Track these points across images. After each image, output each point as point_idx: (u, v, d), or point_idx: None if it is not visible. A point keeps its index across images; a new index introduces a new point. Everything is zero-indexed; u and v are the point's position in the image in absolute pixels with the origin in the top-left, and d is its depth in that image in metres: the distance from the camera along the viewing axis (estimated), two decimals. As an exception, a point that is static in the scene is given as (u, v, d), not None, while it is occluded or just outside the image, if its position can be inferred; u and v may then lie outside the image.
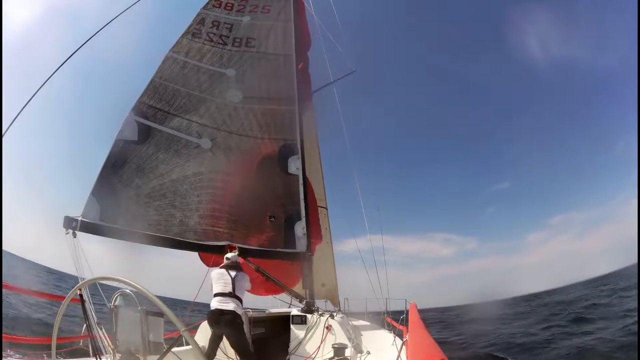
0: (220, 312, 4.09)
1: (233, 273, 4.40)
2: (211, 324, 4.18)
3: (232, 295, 4.22)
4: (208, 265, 5.65)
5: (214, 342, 4.26)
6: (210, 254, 5.85)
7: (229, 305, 4.13)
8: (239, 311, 4.20)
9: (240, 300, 4.28)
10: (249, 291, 4.62)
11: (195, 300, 6.35)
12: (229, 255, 4.66)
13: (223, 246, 5.61)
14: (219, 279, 4.34)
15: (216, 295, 4.23)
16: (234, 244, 5.62)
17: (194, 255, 5.87)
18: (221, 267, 4.50)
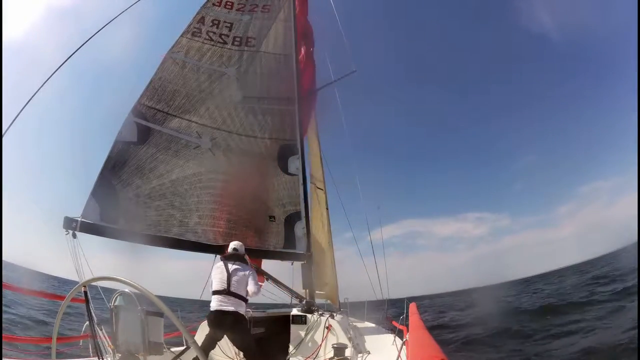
0: (220, 314, 3.79)
1: (231, 266, 3.99)
2: (211, 326, 3.89)
3: (227, 292, 3.84)
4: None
5: (209, 345, 3.93)
6: (210, 254, 5.85)
7: (228, 305, 3.80)
8: (241, 310, 3.86)
9: (241, 298, 3.89)
10: (254, 292, 4.04)
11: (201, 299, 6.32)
12: (232, 243, 4.31)
13: (223, 246, 5.61)
14: (216, 274, 4.00)
15: (214, 293, 3.90)
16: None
17: (194, 256, 5.86)
18: (221, 259, 4.15)
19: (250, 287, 3.98)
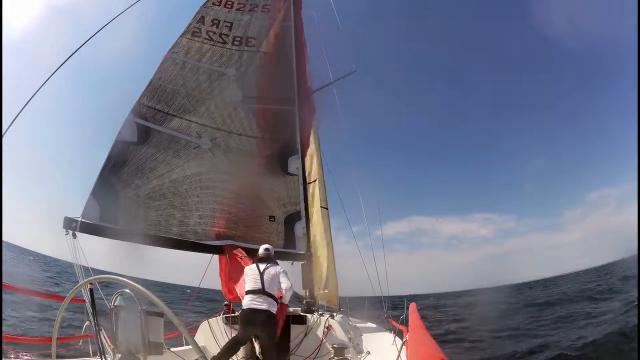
0: (254, 311, 3.88)
1: (262, 266, 4.15)
2: (244, 324, 3.95)
3: (262, 292, 3.97)
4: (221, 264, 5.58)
5: (233, 348, 3.93)
6: (210, 254, 5.86)
7: (261, 304, 3.90)
8: (273, 310, 3.97)
9: (274, 298, 4.02)
10: (288, 287, 4.16)
11: (200, 286, 6.32)
12: (263, 246, 4.47)
13: (222, 246, 5.61)
14: (249, 274, 4.14)
15: (247, 292, 4.00)
16: (234, 244, 5.62)
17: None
18: (253, 262, 4.33)
19: (284, 284, 4.13)
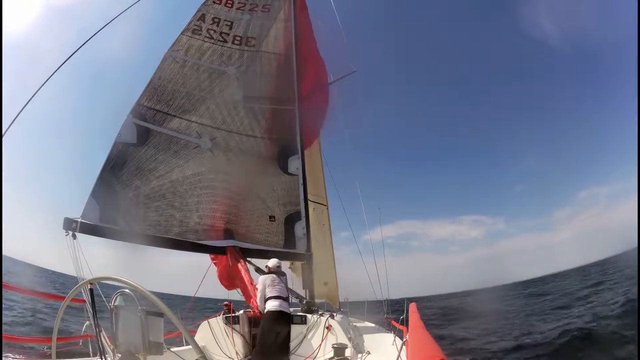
0: (282, 314, 4.67)
1: (283, 278, 5.03)
2: (274, 321, 4.59)
3: (287, 299, 4.91)
4: (214, 262, 6.10)
5: (269, 338, 4.55)
6: (210, 254, 5.86)
7: (287, 308, 4.78)
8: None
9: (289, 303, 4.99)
10: None
11: (196, 296, 6.46)
12: (275, 261, 5.14)
13: (223, 247, 5.61)
14: (274, 284, 4.88)
15: (276, 298, 4.76)
16: (235, 244, 5.62)
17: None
18: (270, 273, 5.01)
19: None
